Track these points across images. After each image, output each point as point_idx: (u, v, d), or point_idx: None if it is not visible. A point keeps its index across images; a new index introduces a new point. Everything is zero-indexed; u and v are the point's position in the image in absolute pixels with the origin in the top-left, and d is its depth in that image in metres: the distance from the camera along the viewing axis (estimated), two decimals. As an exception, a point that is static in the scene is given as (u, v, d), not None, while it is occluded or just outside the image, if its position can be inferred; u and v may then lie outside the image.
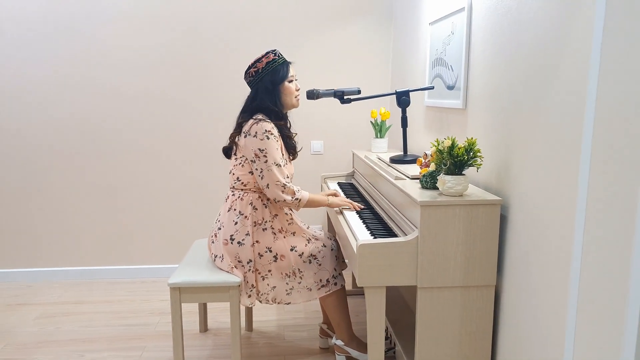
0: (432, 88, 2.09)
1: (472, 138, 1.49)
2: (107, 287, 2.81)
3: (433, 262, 1.47)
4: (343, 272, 1.96)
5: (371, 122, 2.54)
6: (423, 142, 2.32)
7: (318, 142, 2.93)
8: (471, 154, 1.48)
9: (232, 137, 1.83)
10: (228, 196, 1.88)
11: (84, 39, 2.71)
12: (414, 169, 1.84)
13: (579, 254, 1.09)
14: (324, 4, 2.80)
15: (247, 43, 2.78)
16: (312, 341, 2.18)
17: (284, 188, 1.75)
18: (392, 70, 2.90)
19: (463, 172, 1.50)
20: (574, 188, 1.12)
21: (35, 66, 2.72)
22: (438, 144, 1.53)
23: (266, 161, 1.73)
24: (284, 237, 1.84)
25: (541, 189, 1.27)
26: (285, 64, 1.82)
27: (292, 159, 1.90)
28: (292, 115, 1.95)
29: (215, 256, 1.84)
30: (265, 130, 1.72)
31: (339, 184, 2.50)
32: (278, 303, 1.85)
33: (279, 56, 1.82)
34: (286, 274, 1.82)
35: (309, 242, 1.86)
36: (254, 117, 1.76)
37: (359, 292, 2.61)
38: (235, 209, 1.82)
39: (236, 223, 1.80)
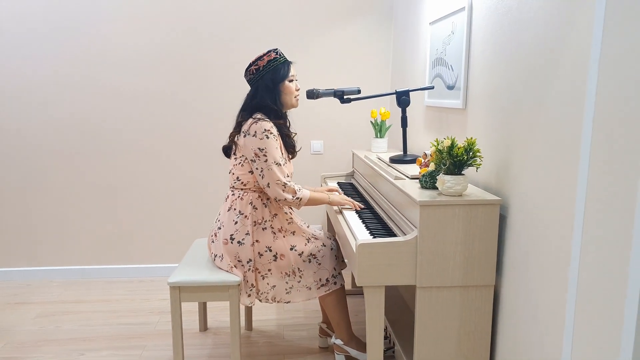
0: (432, 88, 2.09)
1: (471, 138, 1.49)
2: (106, 286, 2.81)
3: (432, 262, 1.47)
4: (343, 271, 1.96)
5: (371, 122, 2.54)
6: (423, 142, 2.32)
7: (318, 141, 2.93)
8: (471, 153, 1.48)
9: (232, 136, 1.83)
10: (228, 196, 1.88)
11: (84, 39, 2.71)
12: (414, 169, 1.84)
13: (577, 254, 1.10)
14: (324, 3, 2.80)
15: (247, 43, 2.78)
16: (312, 340, 2.18)
17: (285, 187, 1.75)
18: (392, 70, 2.90)
19: (462, 172, 1.50)
20: (573, 188, 1.13)
21: (35, 66, 2.72)
22: (437, 144, 1.53)
23: (266, 160, 1.73)
24: (284, 236, 1.84)
25: (540, 189, 1.27)
26: (287, 63, 1.82)
27: (291, 158, 1.90)
28: (292, 115, 1.95)
29: (215, 255, 1.84)
30: (265, 130, 1.72)
31: (338, 183, 2.50)
32: (278, 302, 1.85)
33: (280, 55, 1.82)
34: (286, 273, 1.82)
35: (308, 242, 1.87)
36: (253, 117, 1.76)
37: (359, 291, 2.61)
38: (235, 209, 1.82)
39: (236, 222, 1.80)
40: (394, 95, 2.04)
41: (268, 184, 1.75)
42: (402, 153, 2.12)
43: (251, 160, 1.77)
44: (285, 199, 1.75)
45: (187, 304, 2.49)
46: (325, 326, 2.10)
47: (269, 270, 1.82)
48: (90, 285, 2.83)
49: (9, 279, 2.89)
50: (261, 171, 1.75)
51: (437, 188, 1.56)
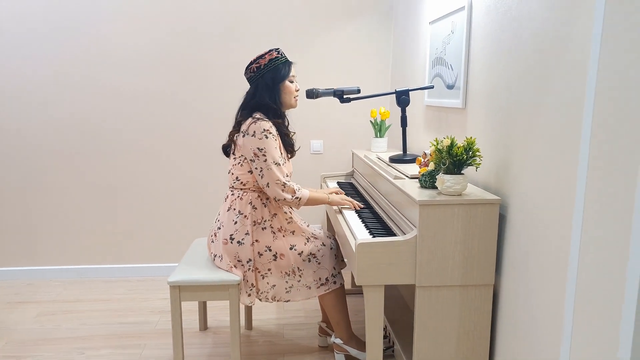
0: (432, 87, 2.09)
1: (471, 137, 1.49)
2: (106, 285, 2.81)
3: (431, 261, 1.47)
4: (342, 271, 1.97)
5: (371, 121, 2.54)
6: (423, 142, 2.32)
7: (318, 141, 2.94)
8: (470, 153, 1.48)
9: (231, 135, 1.84)
10: (227, 196, 1.88)
11: (84, 39, 2.71)
12: (413, 169, 1.85)
13: (576, 253, 1.10)
14: (324, 3, 2.80)
15: (247, 43, 2.78)
16: (312, 339, 2.18)
17: (284, 187, 1.75)
18: (392, 70, 2.90)
19: (462, 172, 1.50)
20: (572, 188, 1.13)
21: (35, 66, 2.72)
22: (437, 144, 1.53)
23: (265, 160, 1.74)
24: (284, 236, 1.84)
25: (540, 188, 1.28)
26: (288, 63, 1.83)
27: (290, 157, 1.90)
28: (291, 115, 1.95)
29: (215, 255, 1.85)
30: (264, 130, 1.73)
31: (338, 183, 2.50)
32: (277, 301, 1.86)
33: (282, 55, 1.82)
34: (286, 273, 1.83)
35: (308, 241, 1.87)
36: (252, 117, 1.76)
37: (358, 291, 2.61)
38: (234, 209, 1.82)
39: (236, 222, 1.81)
40: (394, 95, 2.04)
41: (267, 183, 1.75)
42: (401, 152, 2.12)
43: (250, 160, 1.77)
44: (285, 198, 1.76)
45: (187, 303, 2.49)
46: (325, 325, 2.10)
47: (269, 269, 1.82)
48: (90, 284, 2.83)
49: (10, 278, 2.89)
50: (260, 171, 1.75)
51: (436, 187, 1.57)
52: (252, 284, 1.81)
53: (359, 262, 1.46)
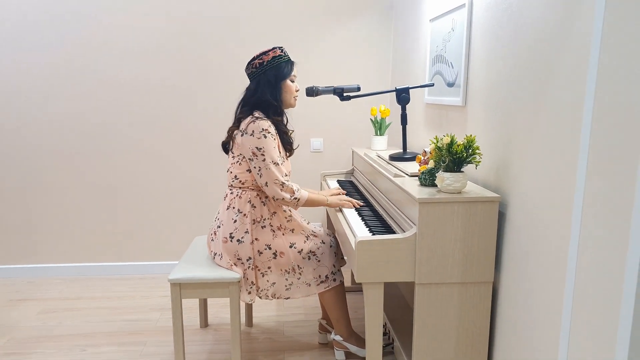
0: (432, 85, 2.09)
1: (471, 135, 1.49)
2: (107, 283, 2.82)
3: (431, 259, 1.47)
4: (342, 268, 1.97)
5: (371, 119, 2.54)
6: (423, 140, 2.32)
7: (318, 139, 2.94)
8: (470, 151, 1.48)
9: (231, 131, 1.84)
10: (226, 194, 1.89)
11: (83, 36, 2.71)
12: (413, 167, 1.85)
13: (575, 251, 1.10)
14: (324, 0, 2.79)
15: (247, 41, 2.78)
16: (312, 336, 2.19)
17: (283, 186, 1.76)
18: (392, 68, 2.90)
19: (462, 170, 1.50)
20: (571, 186, 1.13)
21: (34, 63, 2.72)
22: (437, 141, 1.53)
23: (264, 160, 1.74)
24: (283, 234, 1.85)
25: (539, 186, 1.28)
26: (290, 63, 1.83)
27: (289, 156, 1.90)
28: (291, 113, 1.95)
29: (215, 254, 1.85)
30: (262, 129, 1.73)
31: (338, 181, 2.50)
32: (277, 298, 1.86)
33: (285, 53, 1.83)
34: (285, 271, 1.83)
35: (307, 239, 1.87)
36: (251, 116, 1.76)
37: (358, 288, 2.62)
38: (234, 207, 1.83)
39: (235, 221, 1.81)
40: (394, 93, 2.04)
41: (266, 183, 1.76)
42: (401, 151, 2.13)
43: (249, 159, 1.77)
44: (283, 198, 1.76)
45: (188, 300, 2.50)
46: (324, 322, 2.11)
47: (269, 267, 1.82)
48: (91, 282, 2.84)
49: (12, 276, 2.90)
50: (259, 170, 1.76)
51: (436, 185, 1.57)
52: (252, 282, 1.81)
53: (359, 259, 1.47)
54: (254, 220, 1.82)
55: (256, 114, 1.77)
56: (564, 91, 1.16)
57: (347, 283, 2.68)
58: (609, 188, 0.99)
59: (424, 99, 2.24)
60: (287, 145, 1.87)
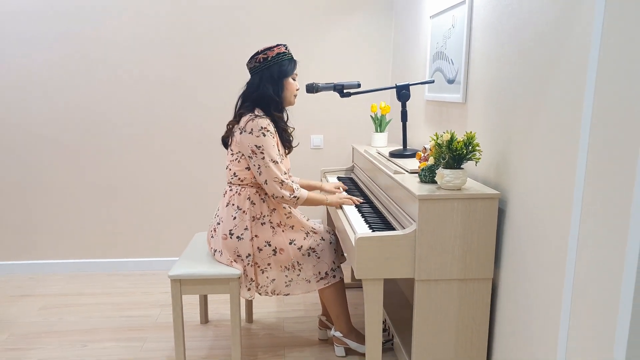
0: (432, 82, 2.09)
1: (471, 132, 1.49)
2: (108, 279, 2.83)
3: (431, 256, 1.48)
4: (342, 265, 1.98)
5: (371, 116, 2.54)
6: (423, 136, 2.32)
7: (318, 136, 2.94)
8: (470, 147, 1.48)
9: (231, 125, 1.84)
10: (226, 191, 1.89)
11: (83, 33, 2.71)
12: (413, 163, 1.85)
13: (574, 248, 1.11)
14: (324, -3, 2.79)
15: (247, 38, 2.77)
16: (312, 333, 2.20)
17: (282, 184, 1.76)
18: (392, 64, 2.89)
19: (462, 166, 1.50)
20: (571, 183, 1.13)
21: (34, 60, 2.71)
22: (437, 138, 1.53)
23: (263, 158, 1.74)
24: (283, 231, 1.85)
25: (539, 183, 1.28)
26: (293, 61, 1.83)
27: (288, 153, 1.90)
28: (292, 110, 1.95)
29: (215, 250, 1.86)
30: (261, 127, 1.73)
31: (338, 178, 2.51)
32: (277, 295, 1.87)
33: (288, 51, 1.83)
34: (285, 267, 1.84)
35: (307, 236, 1.88)
36: (250, 114, 1.76)
37: (358, 285, 2.63)
38: (233, 204, 1.83)
39: (235, 218, 1.81)
40: (394, 90, 2.04)
41: (265, 180, 1.76)
42: (401, 147, 2.13)
43: (248, 156, 1.77)
44: (283, 196, 1.76)
45: (188, 296, 2.51)
46: (324, 319, 2.12)
47: (269, 264, 1.83)
48: (92, 278, 2.85)
49: (13, 272, 2.91)
50: (258, 168, 1.76)
51: (436, 182, 1.57)
52: (252, 279, 1.82)
53: (359, 256, 1.47)
54: (253, 217, 1.82)
55: (256, 112, 1.77)
56: (564, 88, 1.16)
57: (347, 279, 2.68)
58: (608, 185, 0.99)
59: (424, 96, 2.24)
60: (286, 142, 1.87)
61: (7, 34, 2.68)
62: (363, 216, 1.76)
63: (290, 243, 1.83)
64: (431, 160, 1.60)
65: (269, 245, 1.82)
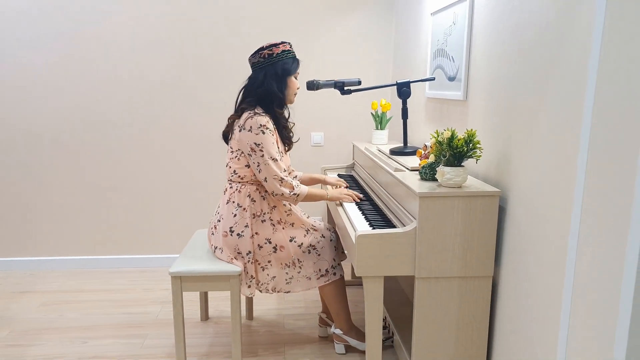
0: (433, 79, 2.09)
1: (471, 129, 1.49)
2: (108, 276, 2.84)
3: (431, 253, 1.48)
4: (342, 262, 1.98)
5: (372, 113, 2.54)
6: (424, 134, 2.32)
7: (318, 133, 2.93)
8: (470, 145, 1.48)
9: (232, 119, 1.83)
10: (226, 188, 1.89)
11: (83, 31, 2.70)
12: (414, 161, 1.85)
13: (575, 246, 1.10)
14: (325, -7, 2.78)
15: (247, 36, 2.76)
16: (312, 330, 2.20)
17: (282, 182, 1.76)
18: (393, 61, 2.89)
19: (462, 164, 1.50)
20: (572, 181, 1.13)
21: (33, 59, 2.71)
22: (438, 136, 1.53)
23: (262, 155, 1.74)
24: (283, 228, 1.85)
25: (540, 181, 1.28)
26: (296, 60, 1.84)
27: (288, 150, 1.90)
28: (293, 107, 1.95)
29: (215, 248, 1.86)
30: (260, 125, 1.72)
31: (339, 175, 2.50)
32: (278, 292, 1.87)
33: (292, 50, 1.83)
34: (286, 264, 1.84)
35: (307, 233, 1.88)
36: (249, 112, 1.76)
37: (358, 282, 2.63)
38: (233, 202, 1.83)
39: (235, 215, 1.81)
40: (395, 87, 2.04)
41: (265, 178, 1.76)
42: (402, 145, 2.12)
43: (248, 154, 1.77)
44: (283, 193, 1.76)
45: (189, 293, 2.51)
46: (325, 316, 2.12)
47: (269, 261, 1.83)
48: (92, 275, 2.85)
49: (13, 269, 2.92)
50: (258, 165, 1.76)
51: (436, 180, 1.57)
52: (252, 276, 1.82)
53: (359, 253, 1.47)
54: (253, 214, 1.82)
55: (256, 109, 1.76)
56: (565, 86, 1.16)
57: (347, 277, 2.68)
58: (608, 183, 0.99)
59: (425, 93, 2.23)
60: (286, 139, 1.87)
61: (7, 34, 2.67)
62: (363, 213, 1.76)
63: (290, 240, 1.83)
64: (432, 158, 1.60)
65: (270, 242, 1.82)
